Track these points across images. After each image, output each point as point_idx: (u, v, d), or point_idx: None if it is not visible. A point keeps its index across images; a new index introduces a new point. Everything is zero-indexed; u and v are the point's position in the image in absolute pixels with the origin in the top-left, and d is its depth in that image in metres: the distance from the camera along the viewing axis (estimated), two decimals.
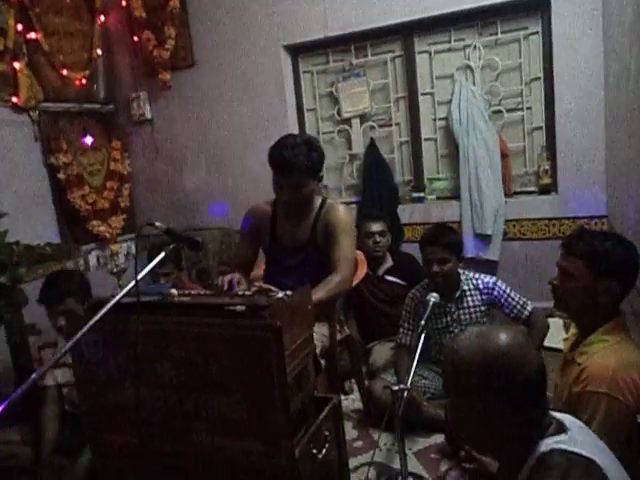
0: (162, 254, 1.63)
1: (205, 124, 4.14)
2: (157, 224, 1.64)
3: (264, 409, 1.53)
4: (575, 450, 0.99)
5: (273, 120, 3.90)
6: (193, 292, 1.85)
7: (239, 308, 1.53)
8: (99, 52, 4.02)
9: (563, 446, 1.00)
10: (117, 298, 1.55)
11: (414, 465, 2.16)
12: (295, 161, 2.05)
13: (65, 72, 3.74)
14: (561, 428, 1.06)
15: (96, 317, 1.50)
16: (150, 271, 1.69)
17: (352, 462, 2.17)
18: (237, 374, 1.54)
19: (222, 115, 4.07)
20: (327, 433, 1.75)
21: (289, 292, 1.70)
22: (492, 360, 1.03)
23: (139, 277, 1.56)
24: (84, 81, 3.90)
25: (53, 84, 3.69)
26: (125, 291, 1.57)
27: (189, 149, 4.24)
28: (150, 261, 1.69)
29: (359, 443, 2.40)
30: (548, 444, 1.02)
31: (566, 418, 1.10)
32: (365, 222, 3.13)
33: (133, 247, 4.27)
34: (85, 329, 1.49)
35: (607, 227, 3.22)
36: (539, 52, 3.42)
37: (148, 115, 4.25)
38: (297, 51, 3.96)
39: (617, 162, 2.84)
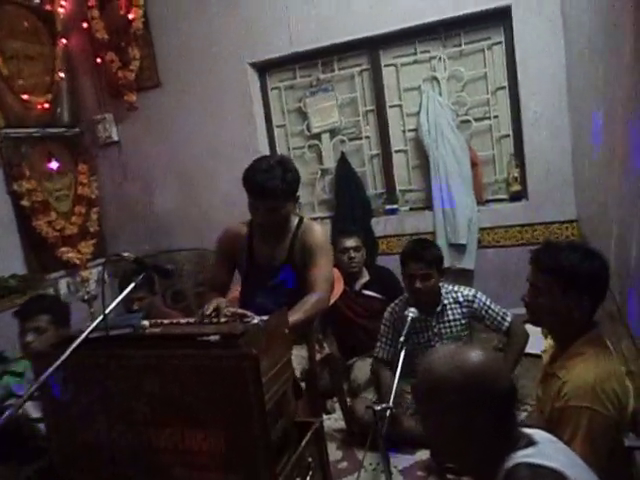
0: (131, 285, 1.58)
1: (174, 145, 4.08)
2: (125, 254, 1.59)
3: (244, 441, 1.48)
4: (542, 463, 0.99)
5: (243, 138, 3.87)
6: (166, 322, 1.79)
7: (213, 338, 1.48)
8: (61, 75, 3.93)
9: (529, 460, 1.00)
10: (85, 334, 1.50)
11: None
12: (270, 185, 2.02)
13: (26, 97, 3.65)
14: (529, 442, 1.06)
15: (64, 355, 1.46)
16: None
17: None
18: (214, 406, 1.49)
19: (191, 135, 4.02)
20: (310, 459, 1.71)
21: (264, 317, 1.66)
22: (469, 376, 1.04)
23: (107, 311, 1.51)
24: (46, 105, 3.81)
25: (14, 109, 3.59)
26: (93, 326, 1.52)
27: (159, 171, 4.17)
28: (122, 288, 1.64)
29: (344, 464, 2.35)
30: (515, 458, 1.02)
31: (537, 433, 1.10)
32: (339, 238, 3.11)
33: (105, 273, 4.16)
34: (54, 367, 1.44)
35: (577, 231, 3.26)
36: (503, 61, 3.48)
37: (115, 137, 4.18)
38: (264, 68, 3.95)
39: (584, 167, 2.89)
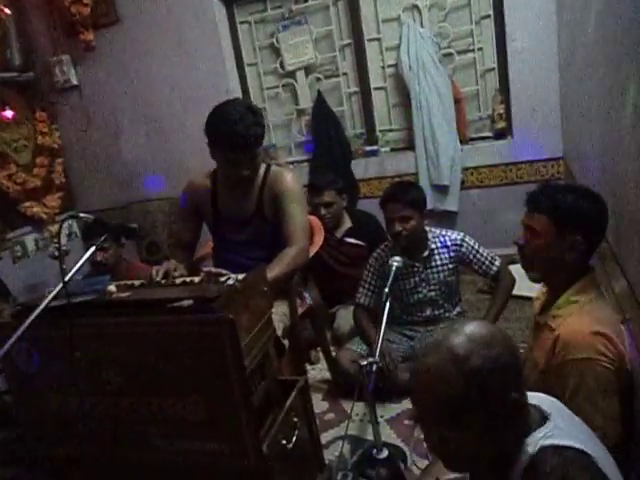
0: (92, 249, 1.44)
1: (138, 87, 3.80)
2: (82, 215, 1.45)
3: (225, 408, 1.41)
4: (567, 444, 0.90)
5: (212, 78, 3.62)
6: (136, 283, 1.68)
7: (185, 303, 1.37)
8: (6, 11, 3.56)
9: (552, 441, 0.91)
10: (44, 303, 1.37)
11: (387, 434, 2.10)
12: (250, 134, 1.86)
13: None
14: (542, 416, 0.96)
15: (23, 326, 1.34)
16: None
17: (324, 437, 2.11)
18: (191, 373, 1.40)
19: (156, 76, 3.74)
20: (296, 419, 1.66)
21: (240, 276, 1.55)
22: (484, 372, 0.89)
23: (67, 278, 1.38)
24: None
25: None
26: (53, 294, 1.39)
27: (124, 115, 3.91)
28: (86, 241, 1.51)
29: (330, 415, 2.32)
30: (536, 441, 0.92)
31: (540, 400, 1.01)
32: (309, 194, 2.90)
33: (74, 226, 3.98)
34: (13, 339, 1.34)
35: (563, 169, 3.17)
36: None
37: (74, 81, 3.87)
38: None
39: (572, 101, 2.75)
